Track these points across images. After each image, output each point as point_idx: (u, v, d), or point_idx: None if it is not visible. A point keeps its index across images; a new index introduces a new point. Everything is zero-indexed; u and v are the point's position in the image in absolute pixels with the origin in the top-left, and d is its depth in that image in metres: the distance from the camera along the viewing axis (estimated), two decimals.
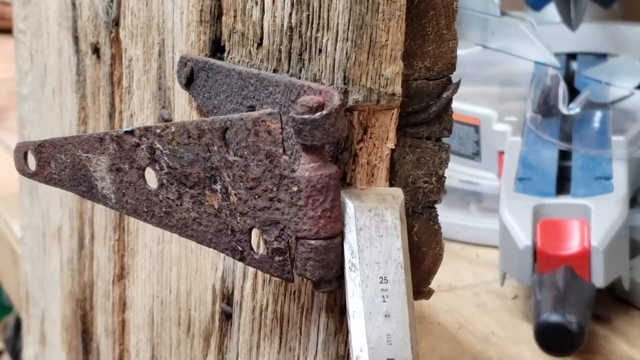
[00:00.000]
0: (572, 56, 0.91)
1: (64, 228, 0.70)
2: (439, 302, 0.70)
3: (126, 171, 0.42)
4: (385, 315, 0.37)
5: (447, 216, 0.80)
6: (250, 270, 0.44)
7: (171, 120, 0.50)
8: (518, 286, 0.72)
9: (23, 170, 0.46)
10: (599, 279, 0.64)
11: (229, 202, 0.39)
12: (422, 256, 0.40)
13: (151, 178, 0.41)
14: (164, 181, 0.41)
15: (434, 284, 0.41)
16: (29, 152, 0.46)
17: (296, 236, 0.37)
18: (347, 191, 0.37)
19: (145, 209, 0.42)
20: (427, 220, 0.40)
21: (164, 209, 0.41)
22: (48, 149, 0.45)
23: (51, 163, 0.45)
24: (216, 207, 0.39)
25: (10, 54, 0.81)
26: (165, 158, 0.40)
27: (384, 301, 0.37)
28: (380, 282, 0.37)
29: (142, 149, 0.41)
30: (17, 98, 0.80)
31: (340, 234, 0.37)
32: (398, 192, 0.38)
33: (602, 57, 0.90)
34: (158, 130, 0.40)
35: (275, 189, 0.37)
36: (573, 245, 0.65)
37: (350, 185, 0.38)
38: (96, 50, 0.59)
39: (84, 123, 0.63)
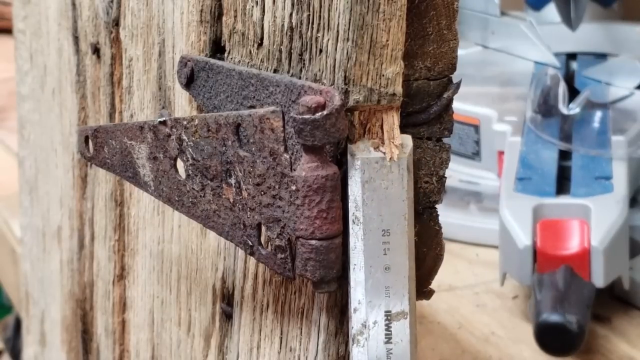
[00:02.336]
0: (572, 56, 0.91)
1: (63, 228, 0.70)
2: (439, 302, 0.70)
3: (161, 160, 0.43)
4: (385, 268, 0.37)
5: (447, 216, 0.80)
6: (251, 270, 0.44)
7: None
8: (518, 286, 0.72)
9: (84, 153, 0.48)
10: (599, 279, 0.64)
11: (241, 197, 0.39)
12: (423, 256, 0.40)
13: (181, 168, 0.42)
14: (190, 172, 0.42)
15: (434, 284, 0.41)
16: (89, 137, 0.47)
17: (295, 235, 0.37)
18: (356, 144, 0.37)
19: (177, 198, 0.43)
20: (427, 220, 0.40)
21: (191, 199, 0.42)
22: (102, 134, 0.46)
23: (105, 148, 0.46)
24: (231, 200, 0.40)
25: (10, 54, 0.81)
26: (190, 150, 0.41)
27: (385, 254, 0.37)
28: (383, 235, 0.37)
29: (173, 139, 0.42)
30: (17, 98, 0.80)
31: (340, 235, 0.37)
32: (407, 140, 0.38)
33: (602, 57, 0.90)
34: (185, 122, 0.41)
35: (277, 187, 0.37)
36: (573, 245, 0.65)
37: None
38: (96, 51, 0.59)
39: (84, 123, 0.63)
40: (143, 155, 0.44)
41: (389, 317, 0.37)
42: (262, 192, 0.38)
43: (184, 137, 0.41)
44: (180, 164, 0.42)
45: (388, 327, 0.37)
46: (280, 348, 0.43)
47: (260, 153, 0.38)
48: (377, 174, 0.37)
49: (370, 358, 0.37)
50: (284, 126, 0.37)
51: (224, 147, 0.39)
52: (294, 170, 0.36)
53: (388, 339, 0.37)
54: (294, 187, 0.36)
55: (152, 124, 0.43)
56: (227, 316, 0.47)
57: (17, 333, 1.48)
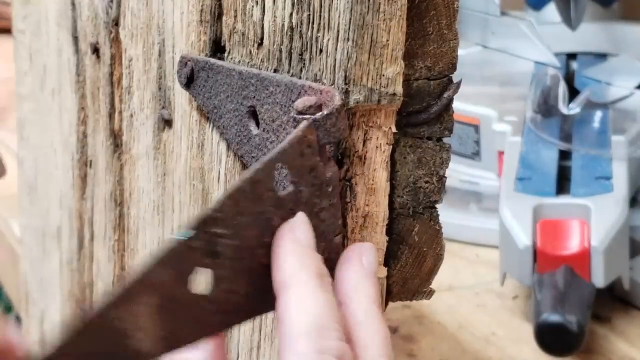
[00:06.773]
0: (572, 56, 0.91)
1: (63, 228, 0.70)
2: (439, 302, 0.70)
3: None
4: None
5: (447, 216, 0.79)
6: None
7: (171, 121, 0.50)
8: (518, 286, 0.72)
9: None
10: (599, 279, 0.64)
11: None
12: (423, 256, 0.40)
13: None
14: None
15: (434, 284, 0.41)
16: None
17: None
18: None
19: None
20: (428, 220, 0.40)
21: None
22: None
23: None
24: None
25: (10, 54, 0.81)
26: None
27: None
28: None
29: None
30: (17, 98, 0.80)
31: (340, 235, 0.37)
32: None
33: (602, 57, 0.90)
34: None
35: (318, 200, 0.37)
36: (573, 245, 0.65)
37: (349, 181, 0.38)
38: (96, 50, 0.59)
39: (84, 123, 0.63)
40: None
41: None
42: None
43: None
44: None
45: None
46: None
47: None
48: None
49: None
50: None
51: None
52: None
53: None
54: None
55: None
56: None
57: None
